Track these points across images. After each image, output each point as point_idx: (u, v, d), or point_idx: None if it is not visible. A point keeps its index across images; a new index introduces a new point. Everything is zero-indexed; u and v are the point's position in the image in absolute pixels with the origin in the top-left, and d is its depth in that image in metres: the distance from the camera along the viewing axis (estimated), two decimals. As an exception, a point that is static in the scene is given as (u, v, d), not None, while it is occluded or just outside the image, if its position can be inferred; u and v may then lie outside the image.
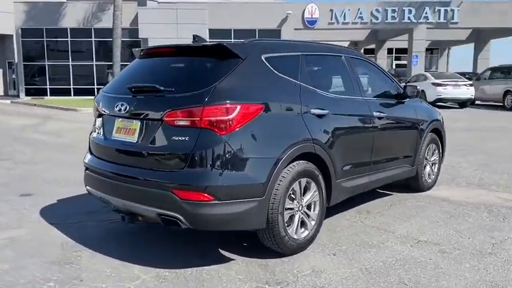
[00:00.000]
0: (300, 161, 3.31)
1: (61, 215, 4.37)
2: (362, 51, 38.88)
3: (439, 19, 25.83)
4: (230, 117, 2.91)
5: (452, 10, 25.69)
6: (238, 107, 2.94)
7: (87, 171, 3.61)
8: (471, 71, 31.08)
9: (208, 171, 2.87)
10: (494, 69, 19.64)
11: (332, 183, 3.65)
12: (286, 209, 3.23)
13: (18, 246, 3.56)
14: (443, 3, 25.83)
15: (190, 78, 3.17)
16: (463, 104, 18.64)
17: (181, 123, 2.94)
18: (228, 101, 2.93)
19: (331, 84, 4.00)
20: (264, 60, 3.31)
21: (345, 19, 25.57)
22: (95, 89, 26.18)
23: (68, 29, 25.88)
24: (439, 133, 5.44)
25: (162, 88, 3.07)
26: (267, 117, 3.12)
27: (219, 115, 2.89)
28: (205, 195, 2.85)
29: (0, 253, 3.42)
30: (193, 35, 3.66)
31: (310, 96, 3.52)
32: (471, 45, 35.82)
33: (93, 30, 25.97)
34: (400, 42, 33.31)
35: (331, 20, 25.65)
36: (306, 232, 3.45)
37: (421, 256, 3.39)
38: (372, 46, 37.25)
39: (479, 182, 5.82)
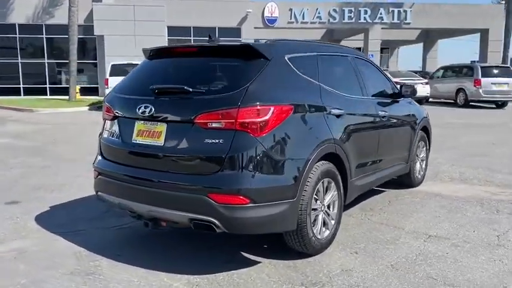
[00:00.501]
0: (323, 161, 3.34)
1: (60, 222, 4.16)
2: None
3: (393, 20, 26.85)
4: (264, 118, 2.89)
5: (405, 11, 26.79)
6: (272, 108, 2.92)
7: (100, 176, 3.45)
8: (419, 69, 32.55)
9: (244, 174, 2.83)
10: (446, 68, 20.66)
11: (348, 182, 3.71)
12: (312, 210, 3.25)
13: (29, 259, 3.35)
14: (397, 4, 26.87)
15: (219, 79, 3.12)
16: (419, 101, 19.44)
17: (215, 125, 2.88)
18: (262, 103, 2.90)
19: (343, 84, 4.05)
20: (287, 60, 3.30)
21: (303, 18, 26.00)
22: (47, 88, 25.01)
23: (17, 25, 24.49)
24: (426, 130, 5.66)
25: (191, 89, 2.99)
26: (296, 118, 3.12)
27: (254, 117, 2.86)
28: (242, 198, 2.81)
29: (12, 266, 3.21)
30: (209, 35, 3.58)
31: (328, 97, 3.56)
32: (419, 45, 37.55)
33: (44, 26, 24.73)
34: (355, 42, 34.25)
35: (291, 19, 25.99)
36: (328, 232, 3.49)
37: (437, 251, 3.52)
38: (328, 45, 38.04)
39: (461, 176, 6.10)
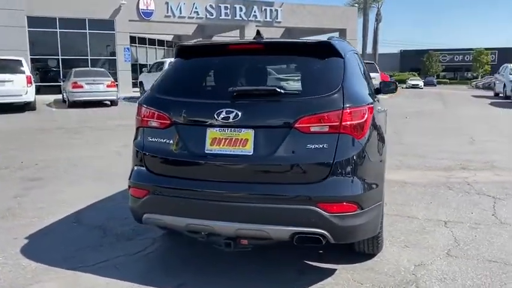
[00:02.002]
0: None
1: (64, 255, 3.40)
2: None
3: (266, 18, 28.02)
4: (364, 119, 2.77)
5: (276, 10, 28.19)
6: (366, 108, 2.82)
7: (150, 195, 2.90)
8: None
9: (352, 180, 2.69)
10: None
11: None
12: (379, 210, 3.25)
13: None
14: (268, 3, 28.09)
15: (304, 79, 2.87)
16: None
17: (317, 129, 2.66)
18: (360, 104, 2.78)
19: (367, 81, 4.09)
20: (352, 58, 3.21)
21: (181, 13, 25.44)
22: None
23: None
24: None
25: (283, 91, 2.71)
26: (375, 117, 3.06)
27: (356, 118, 2.72)
28: (351, 205, 2.66)
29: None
30: (257, 30, 3.27)
31: (372, 93, 3.57)
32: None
33: None
34: (232, 39, 34.82)
35: (168, 13, 25.22)
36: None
37: (467, 235, 3.82)
38: (198, 41, 37.92)
39: (403, 164, 6.72)
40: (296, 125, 2.66)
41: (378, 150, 2.97)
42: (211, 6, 26.16)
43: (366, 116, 2.80)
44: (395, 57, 70.14)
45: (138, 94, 21.91)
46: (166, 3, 25.03)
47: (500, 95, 22.35)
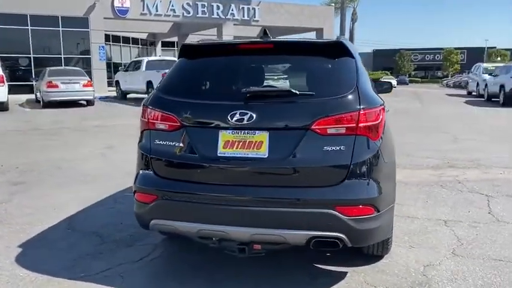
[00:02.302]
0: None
1: (64, 265, 3.24)
2: (160, 44, 38.78)
3: (243, 16, 27.92)
4: (379, 121, 2.74)
5: (254, 9, 28.12)
6: (380, 109, 2.79)
7: (159, 200, 2.78)
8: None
9: (369, 182, 2.65)
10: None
11: None
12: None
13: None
14: (246, 1, 28.00)
15: (321, 79, 2.81)
16: None
17: (334, 131, 2.61)
18: (375, 105, 2.75)
19: None
20: (359, 58, 3.18)
21: (157, 11, 25.05)
22: None
23: None
24: None
25: (298, 92, 2.64)
26: (386, 119, 3.03)
27: (371, 120, 2.69)
28: (369, 208, 2.63)
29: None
30: (264, 29, 3.19)
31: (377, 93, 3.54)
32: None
33: None
34: (209, 37, 34.54)
35: (144, 10, 24.80)
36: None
37: (468, 234, 3.86)
38: (174, 39, 37.49)
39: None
40: (313, 127, 2.60)
41: (390, 151, 2.95)
42: (188, 4, 25.87)
43: (380, 117, 2.77)
44: (368, 56, 71.25)
45: (114, 94, 21.46)
46: (142, 0, 24.60)
47: (474, 93, 22.99)
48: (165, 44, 39.03)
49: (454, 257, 3.38)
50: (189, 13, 26.04)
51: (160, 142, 2.86)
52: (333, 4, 32.40)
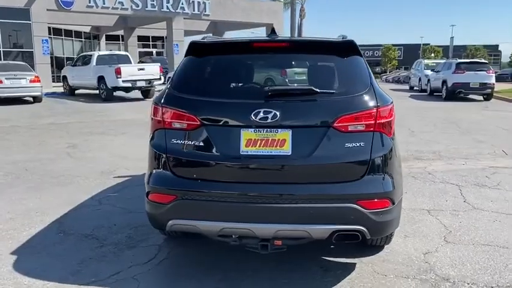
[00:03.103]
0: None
1: (70, 270, 3.14)
2: (104, 37, 37.42)
3: (194, 10, 27.54)
4: (392, 117, 2.90)
5: (204, 3, 27.81)
6: (392, 106, 2.93)
7: (179, 200, 2.75)
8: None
9: (385, 176, 2.79)
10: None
11: None
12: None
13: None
14: (197, -5, 27.66)
15: (338, 77, 2.89)
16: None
17: (355, 128, 2.72)
18: (389, 102, 2.89)
19: None
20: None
21: (104, 3, 24.12)
22: None
23: None
24: None
25: (318, 90, 2.72)
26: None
27: (387, 117, 2.84)
28: (387, 201, 2.77)
29: None
30: (272, 28, 3.22)
31: None
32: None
33: None
34: (157, 31, 33.79)
35: (90, 3, 23.76)
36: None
37: (454, 222, 4.13)
38: (119, 33, 36.31)
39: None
40: (335, 124, 2.70)
41: (398, 146, 3.10)
42: (136, -3, 25.14)
43: (393, 114, 2.92)
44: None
45: (60, 90, 20.46)
46: (88, -8, 23.58)
47: (416, 88, 24.20)
48: (109, 38, 37.72)
49: (448, 244, 3.62)
50: (138, 6, 25.30)
51: (178, 141, 2.82)
52: (282, 0, 32.78)
